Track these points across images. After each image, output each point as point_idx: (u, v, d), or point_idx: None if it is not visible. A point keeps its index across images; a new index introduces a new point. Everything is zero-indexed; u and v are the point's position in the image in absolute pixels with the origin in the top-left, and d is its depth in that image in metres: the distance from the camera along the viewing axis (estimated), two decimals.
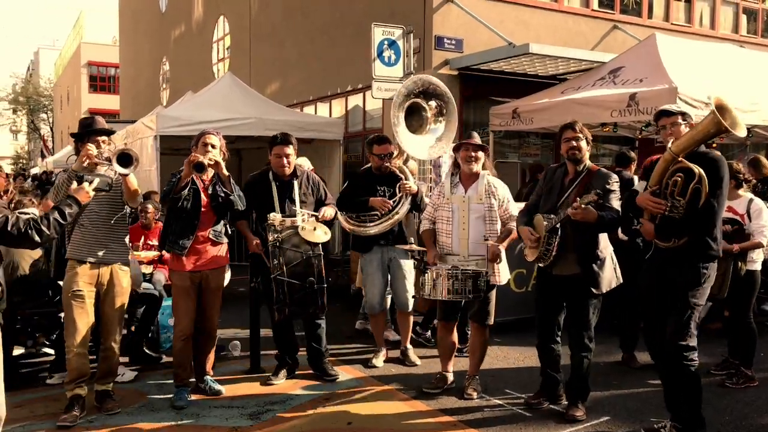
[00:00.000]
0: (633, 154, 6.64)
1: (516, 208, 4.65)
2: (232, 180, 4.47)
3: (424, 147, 5.48)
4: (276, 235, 4.51)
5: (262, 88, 14.89)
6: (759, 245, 4.84)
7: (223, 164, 4.39)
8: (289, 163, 4.86)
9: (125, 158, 3.98)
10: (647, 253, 3.99)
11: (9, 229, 3.00)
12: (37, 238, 3.10)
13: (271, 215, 4.64)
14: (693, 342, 3.73)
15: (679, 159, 3.59)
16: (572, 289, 4.14)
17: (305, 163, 7.01)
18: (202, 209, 4.41)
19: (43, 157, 30.50)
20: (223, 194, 4.42)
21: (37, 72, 55.41)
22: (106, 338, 4.29)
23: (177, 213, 4.39)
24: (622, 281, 4.23)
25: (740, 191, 4.93)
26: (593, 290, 4.08)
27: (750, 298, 4.88)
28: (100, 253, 4.18)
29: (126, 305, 4.37)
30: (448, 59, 9.84)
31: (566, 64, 9.47)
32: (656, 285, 3.85)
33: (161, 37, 22.85)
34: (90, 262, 4.16)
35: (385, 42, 9.04)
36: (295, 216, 4.70)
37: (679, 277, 3.70)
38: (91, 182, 3.60)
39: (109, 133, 4.44)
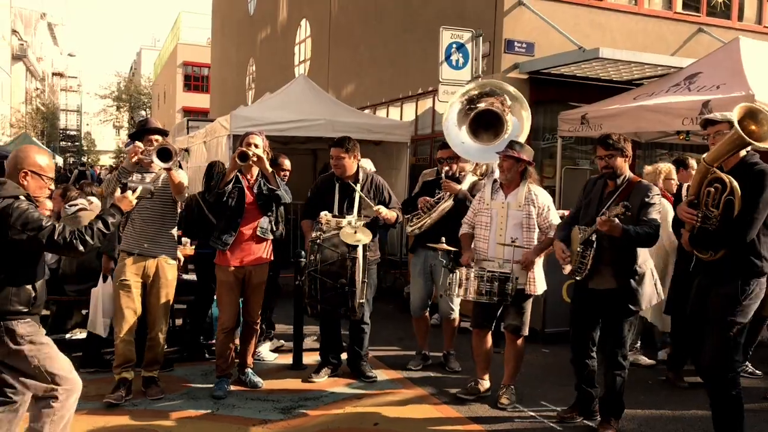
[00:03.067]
0: (691, 161, 6.32)
1: (557, 217, 4.56)
2: (276, 176, 4.64)
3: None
4: (319, 233, 4.64)
5: (338, 90, 15.20)
6: None
7: (266, 160, 4.56)
8: (339, 164, 4.96)
9: (165, 153, 4.20)
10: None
11: (56, 238, 3.07)
12: (81, 248, 3.15)
13: (322, 214, 4.78)
14: (734, 365, 3.55)
15: (713, 169, 3.46)
16: (608, 304, 4.02)
17: (368, 165, 7.11)
18: (246, 207, 4.59)
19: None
20: (267, 190, 4.58)
21: (138, 71, 58.75)
22: (151, 328, 4.55)
23: (221, 209, 4.59)
24: (663, 297, 4.07)
25: None
26: (631, 307, 3.96)
27: None
28: (147, 246, 4.44)
29: (172, 297, 4.60)
30: (517, 63, 9.70)
31: (641, 69, 9.12)
32: (700, 301, 3.70)
33: (249, 39, 23.69)
34: (137, 254, 4.42)
35: (454, 45, 9.06)
36: (345, 218, 4.79)
37: (715, 293, 3.55)
38: (134, 191, 3.68)
39: (163, 133, 4.70)
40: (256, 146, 4.59)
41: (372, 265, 4.95)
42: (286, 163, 5.78)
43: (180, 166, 5.98)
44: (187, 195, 4.54)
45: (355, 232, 4.63)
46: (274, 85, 16.40)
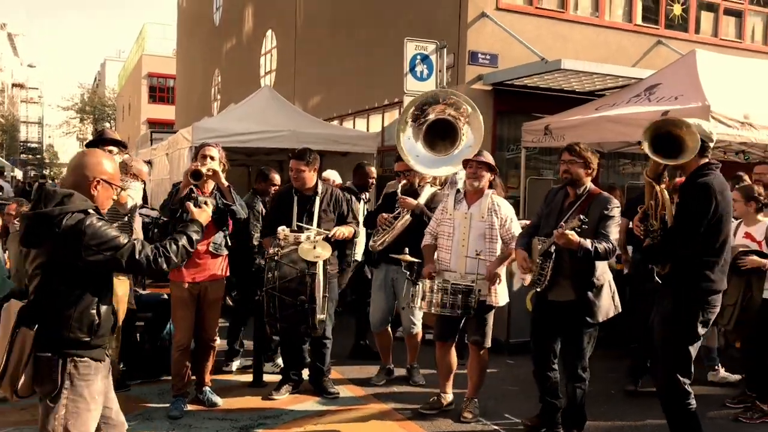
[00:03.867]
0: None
1: (519, 228, 4.55)
2: (232, 190, 4.54)
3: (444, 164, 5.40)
4: (276, 249, 4.53)
5: (305, 101, 15.12)
6: None
7: (221, 174, 4.45)
8: (301, 177, 4.85)
9: None
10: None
11: (137, 257, 2.67)
12: (165, 267, 2.76)
13: (279, 229, 4.66)
14: (680, 382, 3.53)
15: (651, 182, 3.51)
16: (567, 316, 4.00)
17: (333, 177, 7.03)
18: None
19: None
20: (222, 205, 4.48)
21: (103, 82, 57.89)
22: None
23: (176, 225, 4.46)
24: (620, 310, 4.07)
25: (760, 216, 4.68)
26: (589, 319, 3.95)
27: (766, 330, 4.60)
28: None
29: (122, 314, 4.45)
30: (481, 74, 9.76)
31: (603, 80, 9.24)
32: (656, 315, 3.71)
33: (214, 50, 23.50)
34: None
35: (418, 57, 9.08)
36: (303, 232, 4.67)
37: (663, 309, 3.55)
38: (206, 203, 3.35)
39: (120, 144, 4.59)
40: (212, 158, 4.49)
41: (332, 278, 4.88)
42: (276, 178, 5.76)
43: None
44: (131, 207, 4.37)
45: (314, 247, 4.52)
46: (240, 96, 16.22)
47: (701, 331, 3.52)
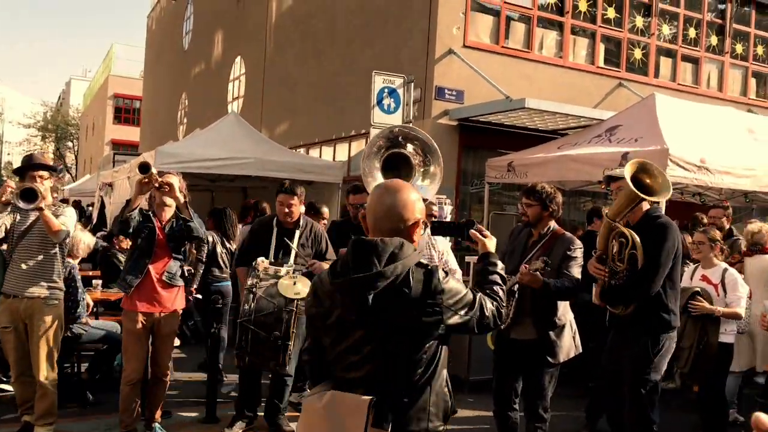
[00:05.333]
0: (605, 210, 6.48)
1: (455, 262, 4.56)
2: (189, 207, 4.41)
3: None
4: (255, 281, 4.42)
5: (272, 128, 15.07)
6: (737, 316, 4.65)
7: (177, 188, 4.32)
8: (291, 212, 4.80)
9: (29, 194, 3.97)
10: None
11: (487, 313, 2.21)
12: (503, 319, 2.35)
13: (259, 260, 4.56)
14: (651, 422, 3.54)
15: (615, 224, 3.56)
16: (529, 355, 3.98)
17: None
18: (156, 250, 4.35)
19: None
20: (181, 220, 4.34)
21: (67, 101, 56.95)
22: (37, 376, 4.25)
23: (131, 250, 4.36)
24: (581, 350, 4.08)
25: (716, 259, 4.76)
26: (550, 359, 3.94)
27: (722, 373, 4.66)
28: (23, 288, 4.21)
29: (53, 341, 4.29)
30: (447, 110, 9.87)
31: (565, 119, 9.43)
32: (613, 358, 3.72)
33: (182, 74, 23.35)
34: (13, 296, 4.21)
35: (385, 90, 9.14)
36: (283, 266, 4.58)
37: (628, 353, 3.57)
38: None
39: (51, 169, 4.45)
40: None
41: (302, 314, 4.78)
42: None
43: (102, 203, 5.64)
44: (64, 236, 4.22)
45: (295, 283, 4.41)
46: (207, 121, 16.12)
47: (664, 365, 3.59)
